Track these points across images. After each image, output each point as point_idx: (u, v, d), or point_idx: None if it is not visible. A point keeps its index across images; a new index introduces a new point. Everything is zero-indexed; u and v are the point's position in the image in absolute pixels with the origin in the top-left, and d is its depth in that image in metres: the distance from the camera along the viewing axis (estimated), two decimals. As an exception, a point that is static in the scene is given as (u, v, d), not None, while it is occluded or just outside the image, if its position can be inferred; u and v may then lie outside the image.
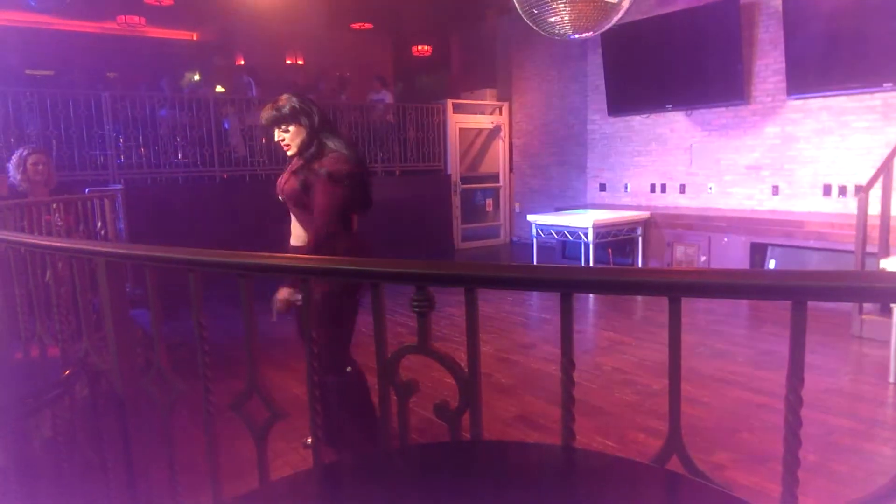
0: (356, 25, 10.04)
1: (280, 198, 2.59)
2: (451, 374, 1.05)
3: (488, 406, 3.37)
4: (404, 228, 8.68)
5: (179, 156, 7.38)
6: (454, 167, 9.49)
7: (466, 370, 1.06)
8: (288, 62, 10.58)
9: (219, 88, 9.89)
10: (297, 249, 2.60)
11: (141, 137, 7.05)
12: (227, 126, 7.78)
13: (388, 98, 9.08)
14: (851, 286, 0.80)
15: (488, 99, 10.03)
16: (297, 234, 2.60)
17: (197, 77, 10.30)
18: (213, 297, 2.59)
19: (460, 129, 9.57)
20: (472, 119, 9.85)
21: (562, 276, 0.97)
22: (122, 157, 7.05)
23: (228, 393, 1.41)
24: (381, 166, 8.78)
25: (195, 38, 10.60)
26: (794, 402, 0.89)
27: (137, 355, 1.80)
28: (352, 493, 0.93)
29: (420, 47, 10.60)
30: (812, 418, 3.05)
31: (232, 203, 7.24)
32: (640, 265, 6.88)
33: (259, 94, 8.36)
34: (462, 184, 9.64)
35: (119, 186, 6.40)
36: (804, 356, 0.89)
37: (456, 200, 9.55)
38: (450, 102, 9.45)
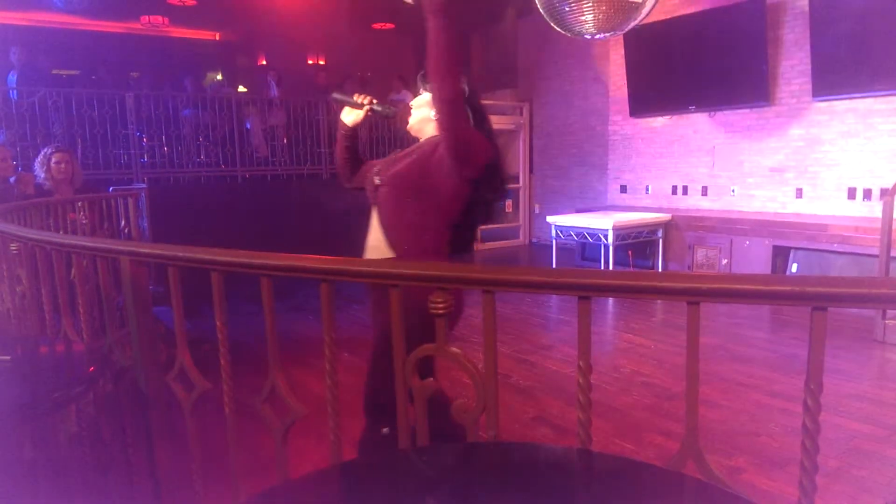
0: (378, 26, 10.09)
1: (375, 186, 2.03)
2: (468, 374, 1.06)
3: (507, 407, 3.37)
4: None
5: (202, 155, 7.49)
6: (474, 167, 9.48)
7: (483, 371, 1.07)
8: (310, 62, 10.66)
9: (241, 88, 10.00)
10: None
11: (164, 137, 7.16)
12: (248, 126, 7.87)
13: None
14: (871, 293, 0.79)
15: (509, 100, 10.01)
16: (374, 244, 2.00)
17: (220, 77, 10.43)
18: (236, 295, 2.63)
19: (481, 129, 9.56)
20: (494, 119, 9.73)
21: (579, 279, 0.97)
22: (145, 156, 7.17)
23: (251, 390, 1.43)
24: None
25: (218, 38, 10.73)
26: (813, 408, 0.88)
27: (160, 352, 1.83)
28: (369, 493, 0.94)
29: (440, 48, 10.61)
30: (833, 423, 3.01)
31: (253, 202, 7.32)
32: (660, 268, 6.82)
33: (280, 94, 8.44)
34: (481, 184, 9.63)
35: (143, 185, 6.50)
36: (823, 362, 0.88)
37: (474, 201, 9.53)
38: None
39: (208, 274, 1.37)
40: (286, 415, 1.33)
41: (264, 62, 10.52)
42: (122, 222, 4.86)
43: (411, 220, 1.88)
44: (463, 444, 1.02)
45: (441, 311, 1.06)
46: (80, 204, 4.15)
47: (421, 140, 2.06)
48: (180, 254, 1.38)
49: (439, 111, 1.73)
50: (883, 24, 5.42)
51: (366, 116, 2.20)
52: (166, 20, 9.34)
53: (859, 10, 5.55)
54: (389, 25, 10.11)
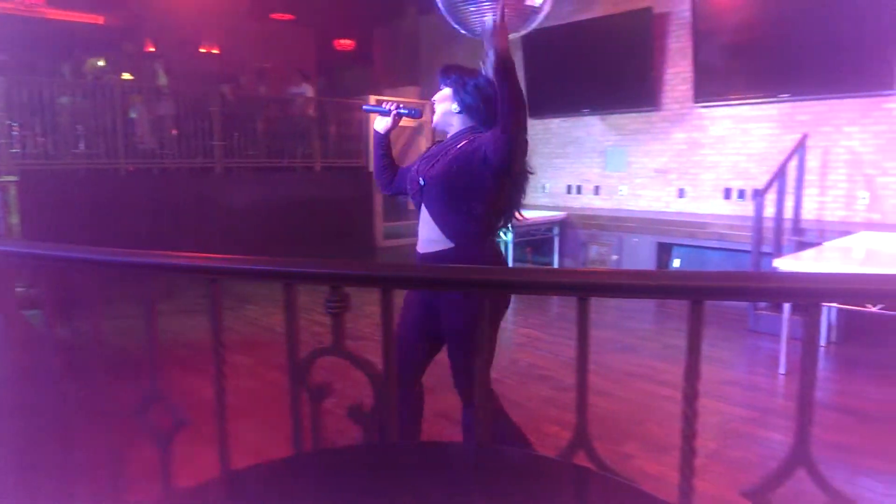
0: (276, 16, 9.78)
1: (420, 187, 2.13)
2: (366, 374, 1.05)
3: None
4: (325, 225, 8.55)
5: (81, 146, 6.94)
6: (376, 164, 9.42)
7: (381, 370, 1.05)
8: (202, 51, 10.16)
9: (126, 76, 9.36)
10: (424, 259, 2.20)
11: (39, 126, 6.57)
12: (134, 116, 7.39)
13: (309, 92, 8.90)
14: (742, 286, 0.85)
15: (411, 96, 10.01)
16: (430, 237, 2.14)
17: (102, 63, 9.71)
18: (127, 297, 2.45)
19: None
20: (394, 116, 9.79)
21: (473, 276, 0.98)
22: (16, 146, 6.55)
23: (133, 396, 1.33)
24: (302, 162, 8.60)
25: (101, 22, 9.99)
26: (690, 395, 0.94)
27: (30, 356, 1.68)
28: (259, 500, 0.90)
29: (342, 41, 10.45)
30: (712, 408, 3.24)
31: (139, 198, 6.89)
32: (556, 264, 7.08)
33: (170, 83, 7.98)
34: (384, 181, 9.58)
35: (13, 178, 5.94)
36: (700, 352, 0.94)
37: (378, 198, 9.48)
38: (373, 99, 9.37)
39: (86, 275, 1.27)
40: (169, 422, 1.25)
41: (152, 49, 9.90)
42: (-13, 218, 4.41)
43: (462, 211, 2.05)
44: (357, 447, 1.00)
45: (336, 311, 1.03)
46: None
47: (449, 133, 2.19)
48: (45, 252, 1.26)
49: (509, 136, 1.89)
50: (757, 37, 5.90)
51: (395, 121, 2.31)
52: (42, 0, 8.58)
53: (736, 23, 6.00)
54: (289, 16, 9.83)
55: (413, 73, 10.19)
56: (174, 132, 7.47)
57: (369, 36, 10.87)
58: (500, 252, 2.30)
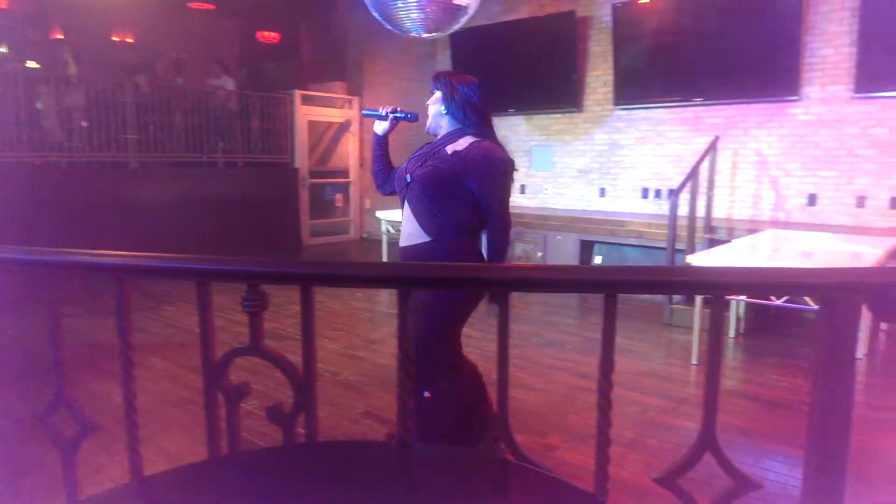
0: (195, 5, 9.39)
1: (406, 183, 2.32)
2: (285, 374, 1.02)
3: (335, 404, 3.32)
4: (248, 224, 8.31)
5: (-20, 137, 6.44)
6: (302, 160, 9.24)
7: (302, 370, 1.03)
8: (115, 39, 9.63)
9: (31, 64, 8.76)
10: (404, 252, 2.33)
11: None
12: (40, 106, 6.92)
13: (230, 84, 8.61)
14: (651, 280, 0.88)
15: (338, 92, 9.88)
16: (410, 231, 2.30)
17: (4, 49, 9.04)
18: (31, 298, 2.28)
19: (309, 121, 9.33)
20: (322, 112, 9.65)
21: (398, 273, 0.97)
22: None
23: (39, 401, 1.25)
24: (223, 157, 8.32)
25: (4, 6, 9.30)
26: (605, 386, 0.97)
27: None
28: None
29: (266, 34, 10.16)
30: (629, 398, 3.36)
31: (46, 193, 6.47)
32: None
33: (79, 72, 7.52)
34: (311, 178, 9.41)
35: None
36: (614, 342, 0.97)
37: (304, 195, 9.30)
38: (298, 93, 9.18)
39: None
40: (74, 428, 1.18)
41: (60, 36, 9.30)
42: None
43: (447, 208, 2.23)
44: (276, 448, 0.98)
45: (253, 309, 1.00)
46: None
47: (439, 134, 2.37)
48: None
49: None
50: (673, 43, 6.17)
51: (393, 124, 2.51)
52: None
53: (654, 29, 6.26)
54: (209, 6, 9.47)
55: (340, 68, 10.05)
56: (84, 124, 7.05)
57: (295, 29, 10.62)
58: (477, 247, 2.39)
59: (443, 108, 2.33)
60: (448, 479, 0.91)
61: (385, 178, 2.54)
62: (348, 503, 0.82)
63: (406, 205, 2.33)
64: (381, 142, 2.53)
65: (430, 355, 2.30)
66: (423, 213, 2.25)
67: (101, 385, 3.45)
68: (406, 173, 2.33)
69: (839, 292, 0.81)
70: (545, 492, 0.87)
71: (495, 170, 2.25)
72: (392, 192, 2.52)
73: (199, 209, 7.73)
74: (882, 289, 0.80)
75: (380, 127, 2.52)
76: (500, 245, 2.33)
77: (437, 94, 2.37)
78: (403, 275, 0.95)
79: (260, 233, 8.37)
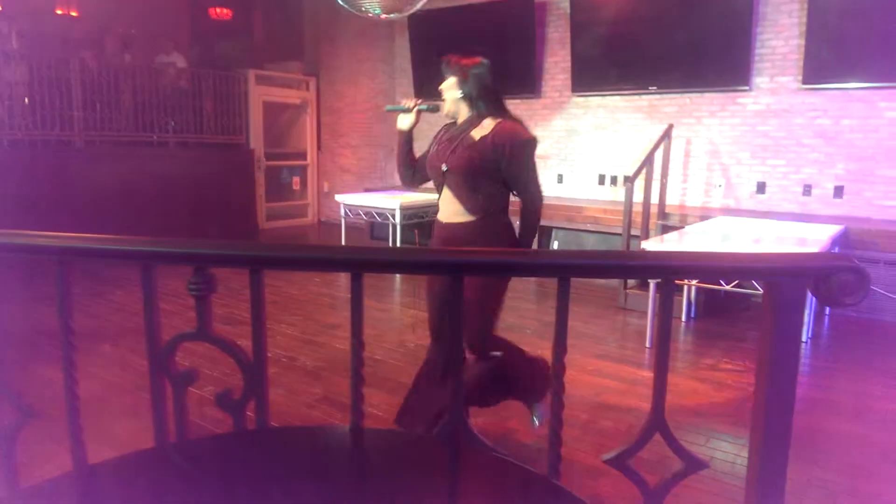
0: (144, -21, 9.03)
1: (442, 172, 2.42)
2: (235, 360, 0.99)
3: (292, 390, 3.29)
4: (202, 205, 8.10)
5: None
6: (258, 142, 9.04)
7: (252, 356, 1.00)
8: (59, 12, 9.20)
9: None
10: (447, 227, 2.48)
11: None
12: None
13: (181, 62, 8.33)
14: (604, 264, 0.89)
15: (294, 72, 9.67)
16: (454, 210, 2.43)
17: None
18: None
19: (264, 101, 9.12)
20: (278, 92, 9.44)
21: (350, 255, 0.95)
22: None
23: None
24: (174, 137, 8.06)
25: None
26: (558, 369, 0.97)
27: None
28: (115, 495, 0.84)
29: (219, 10, 9.85)
30: (584, 381, 3.43)
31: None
32: (443, 245, 7.17)
33: (21, 47, 7.16)
34: (267, 160, 9.22)
35: None
36: (566, 327, 0.98)
37: (260, 177, 9.11)
38: (252, 73, 8.95)
39: None
40: (13, 415, 1.13)
41: (0, 9, 8.83)
42: None
43: (484, 190, 2.38)
44: (225, 435, 0.95)
45: (199, 293, 0.97)
46: None
47: (459, 119, 2.47)
48: None
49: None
50: (629, 32, 6.23)
51: (417, 117, 2.55)
52: None
53: (610, 17, 6.31)
54: (159, -20, 9.11)
55: (296, 46, 9.83)
56: (26, 101, 6.73)
57: (249, 5, 10.34)
58: (510, 224, 2.55)
59: (459, 92, 2.41)
60: (400, 463, 0.90)
61: (413, 171, 2.62)
62: (297, 490, 0.80)
63: (445, 189, 2.44)
64: (409, 137, 2.59)
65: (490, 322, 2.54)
66: (467, 196, 2.39)
67: (49, 372, 3.33)
68: (440, 162, 2.42)
69: (783, 277, 0.83)
70: (498, 475, 0.88)
71: (522, 149, 2.39)
72: (422, 183, 2.65)
73: (150, 191, 7.49)
74: (824, 273, 0.82)
75: (405, 122, 2.56)
76: (533, 219, 2.52)
77: (452, 79, 2.44)
78: (354, 258, 0.94)
79: (214, 216, 8.18)
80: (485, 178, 2.38)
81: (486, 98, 2.42)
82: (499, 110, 2.44)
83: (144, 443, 1.12)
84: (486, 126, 2.39)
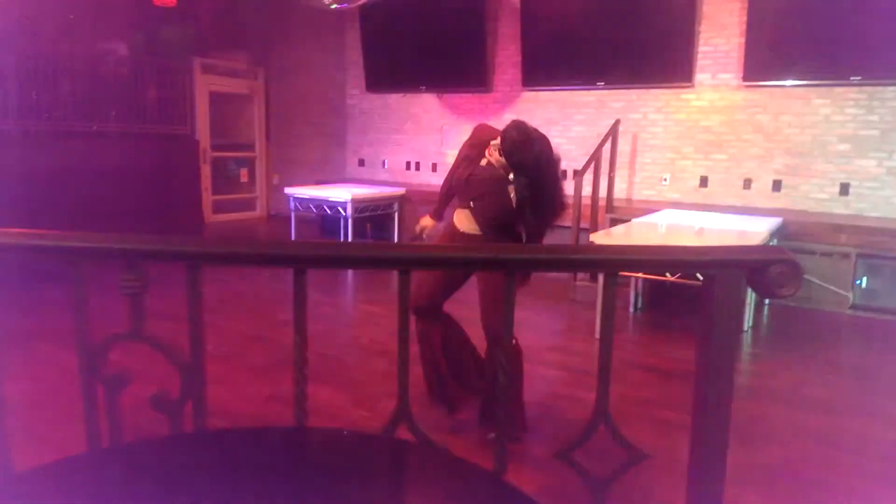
0: (82, -39, 8.64)
1: (469, 202, 2.77)
2: (171, 360, 0.96)
3: (239, 388, 3.21)
4: (145, 198, 7.82)
5: None
6: (203, 132, 8.78)
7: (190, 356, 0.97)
8: (-11, -5, 8.71)
9: None
10: (469, 238, 2.79)
11: None
12: None
13: (123, 49, 8.02)
14: (549, 259, 0.89)
15: (242, 62, 9.43)
16: (473, 228, 2.79)
17: None
18: None
19: (211, 91, 8.86)
20: (225, 82, 9.18)
21: (294, 251, 0.93)
22: None
23: None
24: (115, 126, 7.76)
25: None
26: (505, 364, 0.97)
27: None
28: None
29: (163, -3, 9.50)
30: (537, 373, 3.46)
31: None
32: (396, 240, 7.13)
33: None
34: (213, 151, 8.97)
35: None
36: (513, 319, 0.98)
37: (206, 169, 8.86)
38: (198, 61, 8.68)
39: None
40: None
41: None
42: None
43: (499, 216, 2.72)
44: (161, 439, 0.92)
45: (132, 291, 0.93)
46: None
47: (493, 163, 2.69)
48: None
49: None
50: (577, 28, 6.31)
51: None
52: None
53: (560, 13, 6.37)
54: (98, -37, 8.74)
55: (244, 36, 9.58)
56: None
57: (194, -6, 10.01)
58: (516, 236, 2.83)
59: (510, 188, 2.64)
60: (346, 462, 0.88)
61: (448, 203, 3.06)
62: (236, 494, 0.78)
63: (468, 211, 2.80)
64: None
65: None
66: (484, 219, 2.76)
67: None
68: (469, 196, 2.78)
69: (720, 269, 0.85)
70: (445, 472, 0.87)
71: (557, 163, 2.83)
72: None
73: (89, 183, 7.19)
74: (759, 266, 0.84)
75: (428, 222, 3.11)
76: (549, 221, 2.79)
77: (505, 162, 2.60)
78: (295, 253, 0.91)
79: (157, 209, 7.91)
80: (500, 205, 2.68)
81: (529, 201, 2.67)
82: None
83: (82, 447, 1.07)
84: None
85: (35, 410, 2.81)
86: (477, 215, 2.76)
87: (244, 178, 9.65)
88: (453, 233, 2.87)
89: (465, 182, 2.78)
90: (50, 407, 2.94)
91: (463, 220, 2.83)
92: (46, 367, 3.43)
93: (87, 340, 0.97)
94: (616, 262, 0.88)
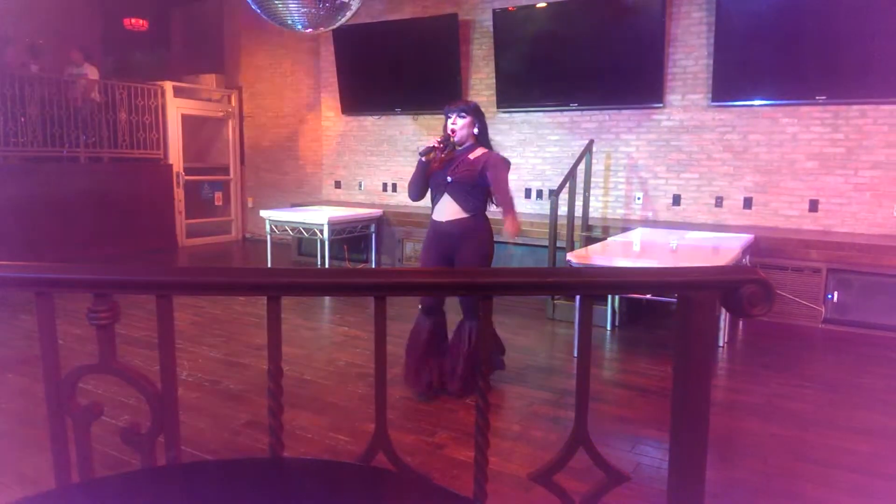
0: (51, -14, 8.58)
1: (447, 181, 3.33)
2: (141, 392, 0.93)
3: (215, 415, 3.15)
4: (118, 223, 7.72)
5: None
6: (176, 156, 8.70)
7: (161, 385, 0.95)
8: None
9: None
10: (445, 224, 3.40)
11: None
12: None
13: (93, 73, 7.95)
14: (525, 282, 0.90)
15: (215, 85, 9.40)
16: (452, 211, 3.37)
17: None
18: None
19: (183, 115, 8.80)
20: (197, 105, 9.14)
21: (266, 279, 0.92)
22: None
23: None
24: (86, 151, 7.66)
25: None
26: (483, 388, 0.97)
27: None
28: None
29: (134, 21, 9.47)
30: (517, 393, 3.46)
31: None
32: (373, 261, 7.10)
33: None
34: (186, 175, 8.89)
35: None
36: (489, 343, 0.97)
37: (179, 193, 8.77)
38: (170, 85, 8.63)
39: None
40: None
41: None
42: None
43: (475, 196, 3.36)
44: (136, 472, 0.89)
45: (102, 322, 0.90)
46: None
47: (463, 145, 3.40)
48: None
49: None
50: (550, 51, 6.41)
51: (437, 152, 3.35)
52: None
53: (532, 36, 6.47)
54: (68, -13, 8.68)
55: (216, 59, 9.57)
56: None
57: (166, 16, 10.00)
58: (488, 220, 3.50)
59: (475, 129, 3.39)
60: (322, 491, 0.87)
61: (424, 191, 3.49)
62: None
63: (446, 195, 3.36)
64: (427, 166, 3.40)
65: None
66: (464, 199, 3.33)
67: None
68: (446, 176, 3.34)
69: (693, 290, 0.86)
70: (424, 500, 0.86)
71: (501, 167, 3.33)
72: (423, 196, 3.51)
73: (60, 208, 7.08)
74: (731, 286, 0.85)
75: (429, 154, 3.37)
76: (507, 205, 3.34)
77: (468, 118, 3.35)
78: (269, 281, 0.90)
79: (130, 234, 7.80)
80: (476, 186, 3.33)
81: (485, 134, 3.47)
82: (487, 143, 3.46)
83: (51, 481, 1.03)
84: (477, 152, 3.37)
85: (5, 441, 2.72)
86: (452, 191, 3.33)
87: (218, 202, 9.56)
88: (437, 225, 3.44)
89: (437, 171, 3.37)
90: (17, 437, 2.85)
91: (442, 210, 3.40)
92: (12, 396, 3.33)
93: (54, 376, 0.94)
94: (593, 285, 0.89)
